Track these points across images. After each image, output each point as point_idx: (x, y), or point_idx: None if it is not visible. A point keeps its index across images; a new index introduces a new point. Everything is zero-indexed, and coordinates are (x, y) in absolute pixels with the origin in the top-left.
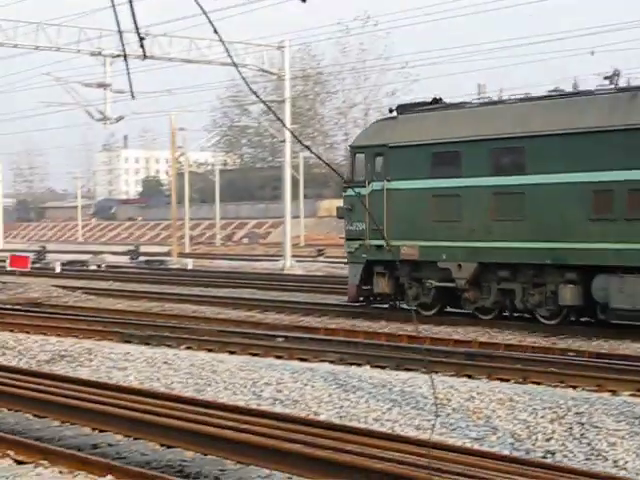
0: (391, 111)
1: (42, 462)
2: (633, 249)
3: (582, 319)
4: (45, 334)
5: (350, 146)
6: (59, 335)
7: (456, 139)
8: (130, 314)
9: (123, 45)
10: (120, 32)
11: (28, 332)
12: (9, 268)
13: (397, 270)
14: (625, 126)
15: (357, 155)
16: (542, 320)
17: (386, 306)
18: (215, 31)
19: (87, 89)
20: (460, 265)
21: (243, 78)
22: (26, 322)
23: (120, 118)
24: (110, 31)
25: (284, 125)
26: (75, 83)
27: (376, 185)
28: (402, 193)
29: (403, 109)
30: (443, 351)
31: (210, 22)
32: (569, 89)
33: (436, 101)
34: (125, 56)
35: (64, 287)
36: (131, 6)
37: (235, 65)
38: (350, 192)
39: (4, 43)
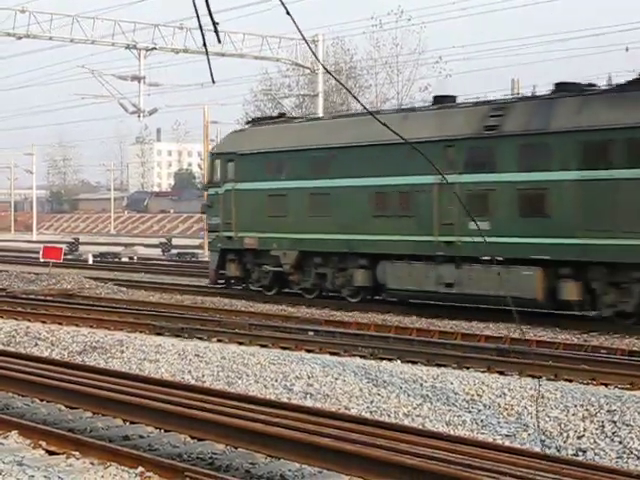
0: (247, 123)
1: (74, 453)
2: (401, 240)
3: (394, 300)
4: (77, 325)
5: (209, 152)
6: (91, 326)
7: (283, 148)
8: (162, 306)
9: (204, 37)
10: (200, 27)
11: (60, 323)
12: (42, 259)
13: (244, 257)
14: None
15: (215, 160)
16: (348, 298)
17: (239, 287)
18: (287, 12)
19: (121, 82)
20: (285, 253)
21: (311, 49)
22: (58, 313)
23: (154, 111)
24: (145, 24)
25: (360, 102)
26: (109, 76)
27: (227, 186)
28: (246, 193)
29: (253, 122)
30: (474, 347)
31: (283, 4)
32: (589, 86)
33: (281, 115)
34: (206, 50)
35: (96, 279)
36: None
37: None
38: (211, 192)
39: (40, 36)
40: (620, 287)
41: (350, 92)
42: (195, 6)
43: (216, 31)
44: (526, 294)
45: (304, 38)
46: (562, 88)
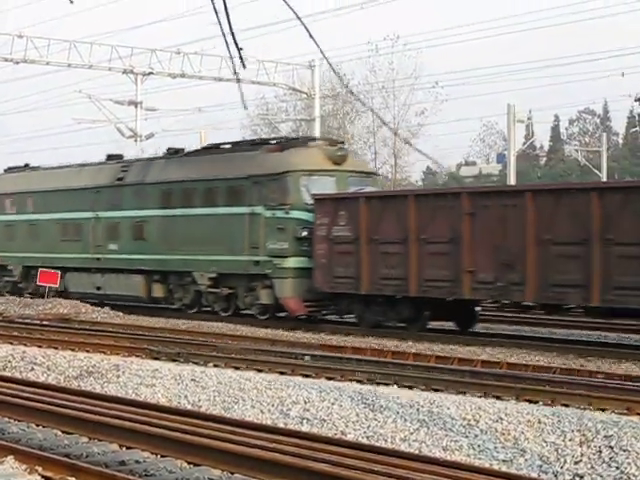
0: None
1: (69, 478)
2: (75, 257)
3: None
4: (73, 350)
5: None
6: (87, 351)
7: (13, 191)
8: (158, 331)
9: (234, 65)
10: (238, 48)
11: (57, 348)
12: (38, 284)
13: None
14: (66, 187)
15: None
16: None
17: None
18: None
19: (118, 106)
20: (15, 267)
21: (330, 64)
22: (55, 338)
23: (150, 135)
24: (142, 49)
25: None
26: (106, 100)
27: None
28: (4, 223)
29: (7, 170)
30: (471, 372)
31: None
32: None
33: (26, 165)
34: (237, 78)
35: (92, 303)
36: (228, 18)
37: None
38: None
39: (37, 61)
40: (184, 287)
41: (377, 115)
42: (224, 35)
43: (241, 57)
44: (137, 293)
45: (326, 59)
46: (170, 152)
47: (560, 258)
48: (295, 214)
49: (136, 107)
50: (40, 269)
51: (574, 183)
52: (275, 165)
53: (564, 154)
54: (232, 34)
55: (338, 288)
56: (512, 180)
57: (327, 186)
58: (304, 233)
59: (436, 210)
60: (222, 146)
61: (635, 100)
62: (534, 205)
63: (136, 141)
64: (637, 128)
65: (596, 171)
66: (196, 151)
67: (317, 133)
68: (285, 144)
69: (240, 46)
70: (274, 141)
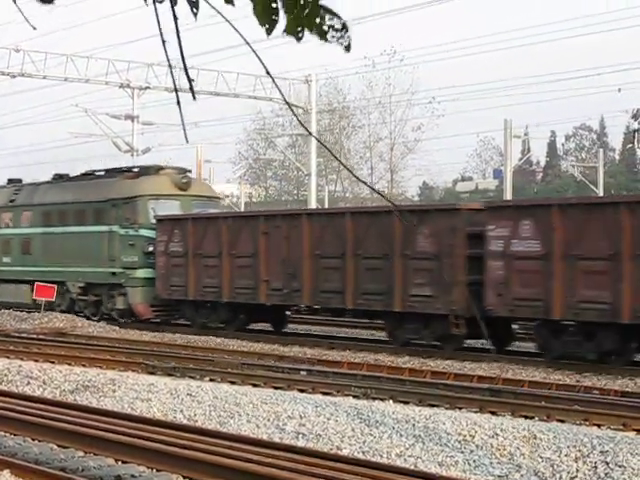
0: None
1: None
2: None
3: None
4: (69, 364)
5: None
6: (83, 365)
7: None
8: (154, 345)
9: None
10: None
11: (53, 362)
12: (34, 298)
13: None
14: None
15: None
16: None
17: None
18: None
19: (115, 120)
20: None
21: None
22: (51, 352)
23: (147, 150)
24: (138, 63)
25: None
26: (103, 114)
27: None
28: None
29: None
30: (466, 387)
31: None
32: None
33: None
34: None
35: (88, 317)
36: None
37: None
38: None
39: (34, 74)
40: (62, 295)
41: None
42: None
43: (191, 87)
44: (24, 300)
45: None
46: (55, 177)
47: (326, 270)
48: (143, 232)
49: (132, 121)
50: (36, 283)
51: (339, 208)
52: (129, 190)
53: (560, 170)
54: (184, 62)
55: (173, 295)
56: (509, 195)
57: (173, 209)
58: (150, 248)
59: (242, 230)
60: (96, 172)
61: (632, 117)
62: (309, 226)
63: (132, 155)
64: (634, 144)
65: (592, 187)
66: (74, 177)
67: (313, 148)
68: (139, 172)
69: (192, 77)
70: (136, 169)
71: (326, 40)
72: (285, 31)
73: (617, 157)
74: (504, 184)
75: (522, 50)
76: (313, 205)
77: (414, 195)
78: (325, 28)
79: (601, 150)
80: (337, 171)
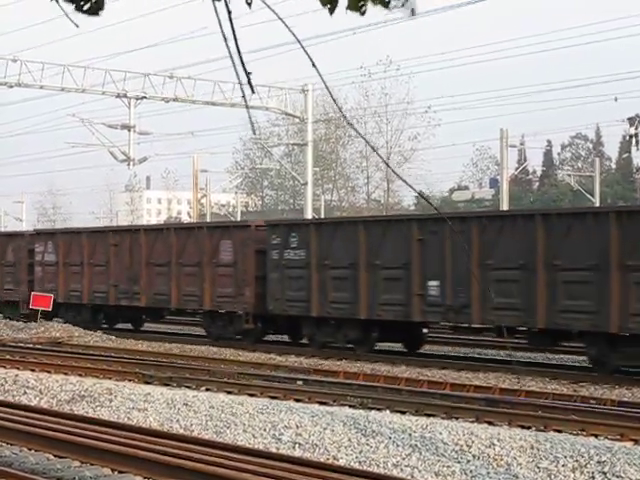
0: None
1: None
2: None
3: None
4: (66, 374)
5: None
6: (80, 375)
7: None
8: (150, 355)
9: (243, 91)
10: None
11: (49, 371)
12: (31, 307)
13: None
14: None
15: None
16: None
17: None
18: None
19: (111, 130)
20: None
21: (330, 92)
22: (47, 361)
23: (143, 159)
24: (135, 73)
25: (379, 155)
26: (100, 124)
27: None
28: None
29: None
30: (463, 397)
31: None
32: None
33: None
34: (246, 104)
35: (85, 327)
36: (237, 46)
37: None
38: None
39: (31, 84)
40: None
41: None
42: (233, 62)
43: (249, 81)
44: None
45: (327, 87)
46: None
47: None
48: None
49: (129, 131)
50: (33, 293)
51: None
52: None
53: (557, 179)
54: (241, 59)
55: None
56: (505, 205)
57: None
58: None
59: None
60: None
61: (627, 120)
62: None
63: (129, 165)
64: (630, 151)
65: (589, 196)
66: None
67: (309, 157)
68: None
69: (249, 70)
70: None
71: (390, 8)
72: (348, 7)
73: (613, 166)
74: (500, 193)
75: (518, 60)
76: (309, 215)
77: (410, 204)
78: None
79: (597, 159)
80: (333, 180)
